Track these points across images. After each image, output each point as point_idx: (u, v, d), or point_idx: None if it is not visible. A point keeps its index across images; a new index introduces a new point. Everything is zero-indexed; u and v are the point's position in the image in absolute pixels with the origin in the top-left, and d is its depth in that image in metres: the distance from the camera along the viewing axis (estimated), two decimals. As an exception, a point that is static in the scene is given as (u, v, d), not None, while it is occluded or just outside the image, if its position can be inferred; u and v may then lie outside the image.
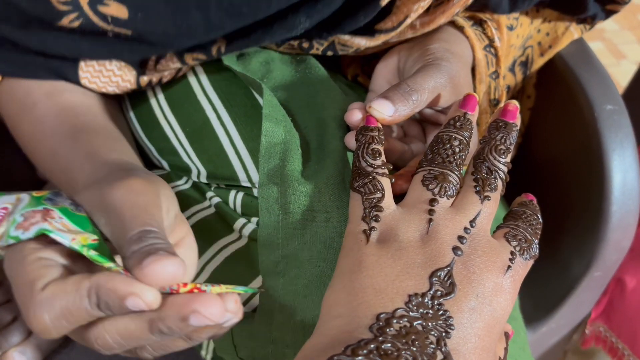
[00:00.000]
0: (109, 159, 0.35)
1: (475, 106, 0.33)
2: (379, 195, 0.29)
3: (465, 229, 0.28)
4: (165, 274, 0.25)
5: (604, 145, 0.48)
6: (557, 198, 0.54)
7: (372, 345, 0.23)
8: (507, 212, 0.32)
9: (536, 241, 0.30)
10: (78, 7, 0.35)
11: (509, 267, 0.28)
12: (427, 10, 0.41)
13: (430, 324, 0.25)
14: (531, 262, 0.29)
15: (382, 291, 0.26)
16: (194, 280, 0.39)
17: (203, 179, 0.42)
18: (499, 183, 0.31)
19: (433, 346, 0.24)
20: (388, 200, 0.30)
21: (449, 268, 0.27)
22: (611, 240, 0.50)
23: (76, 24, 0.36)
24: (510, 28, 0.47)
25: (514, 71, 0.51)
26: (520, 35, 0.49)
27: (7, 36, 0.38)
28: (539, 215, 0.32)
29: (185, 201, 0.41)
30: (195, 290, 0.26)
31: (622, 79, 1.47)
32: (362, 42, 0.41)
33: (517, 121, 0.32)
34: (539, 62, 0.52)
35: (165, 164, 0.44)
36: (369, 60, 0.50)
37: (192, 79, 0.43)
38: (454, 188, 0.30)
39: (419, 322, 0.25)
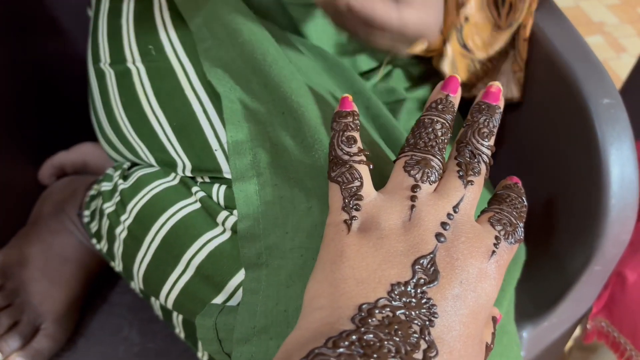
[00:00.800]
0: None
1: (457, 88, 0.32)
2: (357, 183, 0.29)
3: (449, 214, 0.28)
4: None
5: (602, 139, 0.48)
6: (556, 192, 0.54)
7: (354, 337, 0.23)
8: (492, 195, 0.32)
9: (521, 224, 0.30)
10: None
11: (494, 252, 0.27)
12: None
13: (413, 312, 0.24)
14: (516, 246, 0.29)
15: (363, 281, 0.25)
16: (179, 276, 0.40)
17: (188, 173, 0.43)
18: (483, 167, 0.30)
19: (416, 335, 0.24)
20: (368, 188, 0.29)
21: (432, 255, 0.26)
22: (610, 234, 0.50)
23: None
24: None
25: None
26: None
27: None
28: (523, 198, 0.31)
29: (172, 196, 0.42)
30: None
31: (622, 73, 1.47)
32: None
33: (500, 103, 0.32)
34: None
35: (153, 161, 0.45)
36: None
37: (180, 76, 0.44)
38: (436, 173, 0.29)
39: (402, 311, 0.24)
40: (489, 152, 0.31)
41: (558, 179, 0.54)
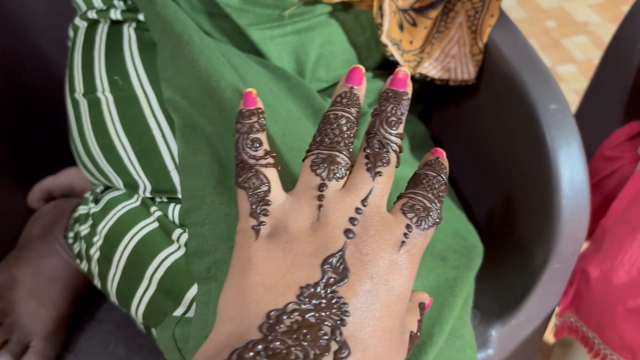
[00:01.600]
0: None
1: (362, 79, 0.31)
2: (265, 188, 0.28)
3: (357, 209, 0.27)
4: None
5: (550, 143, 0.51)
6: (513, 195, 0.57)
7: (260, 347, 0.23)
8: (411, 176, 0.31)
9: (438, 206, 0.29)
10: None
11: (403, 242, 0.27)
12: None
13: (324, 314, 0.24)
14: (432, 230, 0.29)
15: (272, 287, 0.25)
16: (144, 291, 0.43)
17: (148, 194, 0.46)
18: (392, 156, 0.30)
19: (327, 337, 0.23)
20: (276, 192, 0.29)
21: (341, 253, 0.26)
22: (565, 233, 0.52)
23: None
24: None
25: None
26: None
27: None
28: (443, 176, 0.30)
29: (135, 217, 0.46)
30: None
31: (605, 72, 1.48)
32: None
33: (408, 89, 0.31)
34: None
35: (121, 184, 0.49)
36: None
37: (143, 103, 0.47)
38: (343, 169, 0.29)
39: (312, 314, 0.24)
40: (398, 141, 0.30)
41: (514, 183, 0.56)
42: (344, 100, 0.31)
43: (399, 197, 0.30)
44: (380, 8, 0.54)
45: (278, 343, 0.23)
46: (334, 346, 0.23)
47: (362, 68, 0.31)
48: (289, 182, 0.33)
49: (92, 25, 0.54)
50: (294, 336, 0.23)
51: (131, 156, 0.47)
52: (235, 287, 0.26)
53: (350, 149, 0.30)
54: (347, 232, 0.27)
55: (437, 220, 0.29)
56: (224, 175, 0.39)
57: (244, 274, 0.26)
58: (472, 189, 0.63)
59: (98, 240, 0.47)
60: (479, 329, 0.58)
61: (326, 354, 0.23)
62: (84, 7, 0.55)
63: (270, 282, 0.25)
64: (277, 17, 0.52)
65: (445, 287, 0.47)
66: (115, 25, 0.53)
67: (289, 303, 0.24)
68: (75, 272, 0.62)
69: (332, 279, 0.25)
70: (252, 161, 0.29)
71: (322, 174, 0.29)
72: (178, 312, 0.41)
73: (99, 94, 0.50)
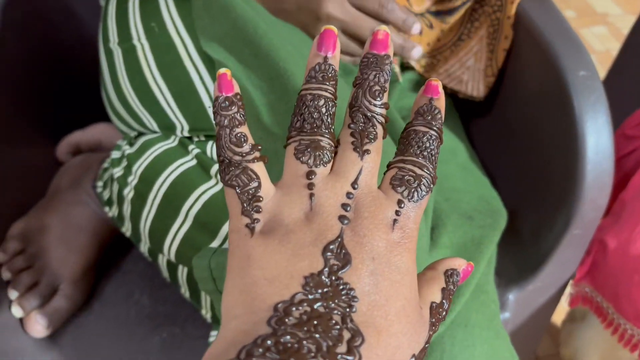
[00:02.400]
0: None
1: (335, 43, 0.29)
2: (255, 184, 0.27)
3: (348, 194, 0.27)
4: None
5: (578, 108, 0.52)
6: (537, 160, 0.58)
7: (270, 342, 0.22)
8: (399, 137, 0.29)
9: (430, 168, 0.27)
10: None
11: (395, 220, 0.26)
12: None
13: (332, 303, 0.23)
14: (427, 197, 0.27)
15: (275, 279, 0.24)
16: (179, 226, 0.44)
17: (186, 133, 0.48)
18: (379, 129, 0.28)
19: (338, 326, 0.23)
20: (266, 187, 0.27)
21: (339, 239, 0.25)
22: (587, 199, 0.53)
23: None
24: None
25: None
26: None
27: None
28: (436, 128, 0.28)
29: (172, 156, 0.47)
30: None
31: (624, 62, 1.49)
32: None
33: (390, 51, 0.29)
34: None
35: (156, 126, 0.50)
36: None
37: (181, 49, 0.49)
38: (328, 153, 0.27)
39: (320, 303, 0.23)
40: (383, 112, 0.28)
41: (538, 148, 0.57)
42: (319, 75, 0.28)
43: (389, 166, 0.28)
44: None
45: (288, 337, 0.22)
46: (347, 335, 0.23)
47: (334, 28, 0.29)
48: None
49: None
50: (305, 328, 0.22)
51: (168, 98, 0.48)
52: (237, 286, 0.25)
53: (332, 129, 0.28)
54: (341, 218, 0.26)
55: (431, 186, 0.27)
56: (259, 116, 0.41)
57: (244, 271, 0.25)
58: (495, 155, 0.64)
59: (133, 179, 0.49)
60: (497, 292, 0.59)
61: (339, 344, 0.22)
62: None
63: (273, 275, 0.24)
64: None
65: (472, 244, 0.49)
66: None
67: (295, 294, 0.23)
68: (102, 222, 0.63)
69: (335, 266, 0.24)
70: (238, 158, 0.27)
71: (309, 161, 0.27)
72: (213, 245, 0.42)
73: (135, 42, 0.52)
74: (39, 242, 0.61)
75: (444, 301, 0.28)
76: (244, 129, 0.28)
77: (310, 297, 0.23)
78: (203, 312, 0.53)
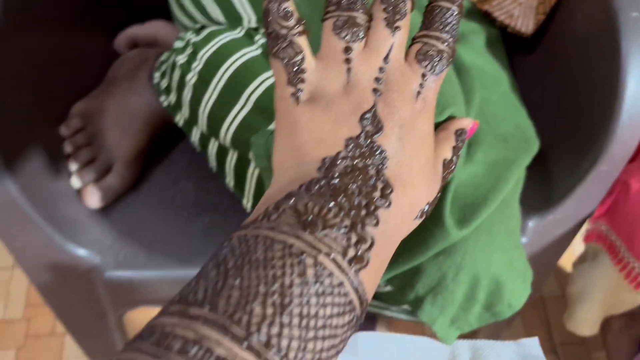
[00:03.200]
0: None
1: None
2: (299, 57, 0.30)
3: (380, 69, 0.30)
4: None
5: (625, 49, 0.53)
6: (577, 94, 0.60)
7: (323, 182, 0.27)
8: (425, 10, 0.32)
9: (451, 42, 0.31)
10: None
11: (419, 92, 0.30)
12: None
13: (368, 160, 0.28)
14: (447, 70, 0.31)
15: (322, 141, 0.29)
16: (239, 110, 0.49)
17: (253, 24, 0.51)
18: (408, 5, 0.30)
19: (373, 178, 0.28)
20: (309, 59, 0.30)
21: (374, 109, 0.29)
22: (620, 137, 0.55)
23: None
24: None
25: None
26: None
27: None
28: (456, 5, 0.31)
29: (238, 45, 0.51)
30: None
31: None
32: None
33: None
34: None
35: (222, 17, 0.53)
36: None
37: None
38: (363, 30, 0.30)
39: (358, 160, 0.28)
40: None
41: (579, 85, 0.59)
42: None
43: (413, 40, 0.31)
44: None
45: (337, 180, 0.27)
46: (380, 185, 0.28)
47: None
48: None
49: None
50: (349, 177, 0.27)
51: None
52: (287, 146, 0.30)
53: (366, 3, 0.31)
54: (375, 90, 0.29)
55: (450, 59, 0.31)
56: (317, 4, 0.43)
57: (294, 135, 0.29)
58: (535, 88, 0.66)
59: (197, 65, 0.52)
60: (518, 217, 0.63)
61: (375, 191, 0.28)
62: None
63: (320, 137, 0.29)
64: None
65: (503, 164, 0.52)
66: None
67: (339, 152, 0.28)
68: (155, 112, 0.67)
69: (370, 132, 0.29)
70: (285, 31, 0.30)
71: (346, 37, 0.30)
72: (271, 128, 0.46)
73: None
74: (97, 123, 0.65)
75: (453, 157, 0.33)
76: (291, 5, 0.30)
77: (350, 154, 0.28)
78: (244, 201, 0.58)
